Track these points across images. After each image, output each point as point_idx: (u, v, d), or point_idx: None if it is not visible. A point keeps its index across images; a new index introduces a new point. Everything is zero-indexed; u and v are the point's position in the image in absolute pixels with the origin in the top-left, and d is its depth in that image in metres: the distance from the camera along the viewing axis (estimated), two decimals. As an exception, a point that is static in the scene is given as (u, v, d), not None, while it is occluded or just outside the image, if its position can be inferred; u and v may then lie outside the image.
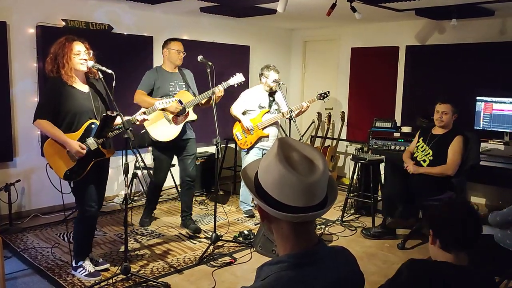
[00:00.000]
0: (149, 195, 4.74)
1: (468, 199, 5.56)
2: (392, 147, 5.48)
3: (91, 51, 3.31)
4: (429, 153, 4.31)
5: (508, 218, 2.91)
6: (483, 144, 4.90)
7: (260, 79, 4.86)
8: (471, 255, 3.01)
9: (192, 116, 4.32)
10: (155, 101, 3.96)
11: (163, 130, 4.19)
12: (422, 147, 4.39)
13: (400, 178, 4.34)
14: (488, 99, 5.04)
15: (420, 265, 1.82)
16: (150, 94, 4.26)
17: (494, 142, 4.90)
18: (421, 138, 4.46)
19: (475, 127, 5.09)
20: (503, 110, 4.94)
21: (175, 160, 4.57)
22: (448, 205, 1.96)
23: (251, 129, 4.75)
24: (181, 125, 4.24)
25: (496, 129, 4.99)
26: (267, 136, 4.81)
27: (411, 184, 4.25)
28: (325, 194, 1.19)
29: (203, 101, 4.28)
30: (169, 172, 4.67)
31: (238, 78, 4.31)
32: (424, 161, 4.31)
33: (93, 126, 3.29)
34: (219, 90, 4.20)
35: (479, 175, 4.81)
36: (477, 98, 5.11)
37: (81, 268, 3.45)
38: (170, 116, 4.21)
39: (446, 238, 1.82)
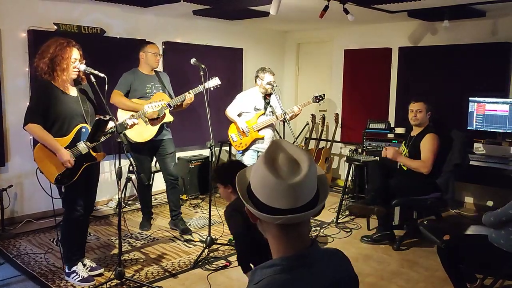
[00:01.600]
0: (138, 196, 4.81)
1: (457, 199, 5.56)
2: (386, 148, 5.48)
3: (84, 61, 3.31)
4: (406, 155, 4.34)
5: (502, 218, 2.92)
6: (476, 145, 4.93)
7: (256, 81, 4.86)
8: (465, 253, 3.01)
9: (169, 118, 4.37)
10: (133, 104, 4.14)
11: (140, 131, 4.18)
12: (403, 151, 4.44)
13: (380, 174, 4.35)
14: (481, 99, 5.06)
15: (231, 206, 2.65)
16: (127, 95, 4.29)
17: (487, 142, 4.92)
18: (404, 141, 4.50)
19: (468, 128, 5.12)
20: (496, 110, 4.96)
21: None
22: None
23: (246, 131, 4.74)
24: (157, 126, 4.28)
25: (489, 129, 5.01)
26: (262, 138, 4.80)
27: (392, 185, 4.26)
28: (312, 196, 1.18)
29: (177, 104, 4.29)
30: (152, 173, 4.77)
31: (214, 82, 4.37)
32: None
33: (83, 130, 3.26)
34: (189, 98, 4.26)
35: (471, 175, 4.84)
36: (470, 98, 5.14)
37: (74, 274, 3.42)
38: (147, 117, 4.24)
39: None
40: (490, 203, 5.35)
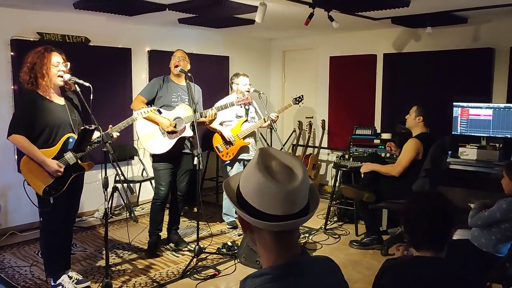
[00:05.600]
0: (150, 213, 4.39)
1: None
2: (373, 154, 5.51)
3: (68, 63, 3.26)
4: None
5: (489, 221, 3.01)
6: (461, 149, 4.99)
7: (232, 88, 4.86)
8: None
9: (188, 132, 4.16)
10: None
11: (155, 142, 4.08)
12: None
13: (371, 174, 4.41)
14: (465, 104, 5.13)
15: (391, 260, 1.87)
16: (152, 102, 4.14)
17: (471, 147, 4.99)
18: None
19: (453, 132, 5.18)
20: (479, 115, 5.03)
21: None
22: (414, 201, 1.89)
23: (232, 140, 4.71)
24: (174, 140, 4.10)
25: (473, 134, 5.08)
26: (247, 147, 4.78)
27: (379, 188, 4.32)
28: (306, 203, 1.18)
29: (202, 119, 4.19)
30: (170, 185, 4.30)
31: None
32: None
33: (70, 140, 3.22)
34: (210, 114, 4.20)
35: (456, 179, 4.88)
36: (454, 103, 5.20)
37: (60, 287, 3.35)
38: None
39: (413, 234, 1.80)
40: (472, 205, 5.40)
